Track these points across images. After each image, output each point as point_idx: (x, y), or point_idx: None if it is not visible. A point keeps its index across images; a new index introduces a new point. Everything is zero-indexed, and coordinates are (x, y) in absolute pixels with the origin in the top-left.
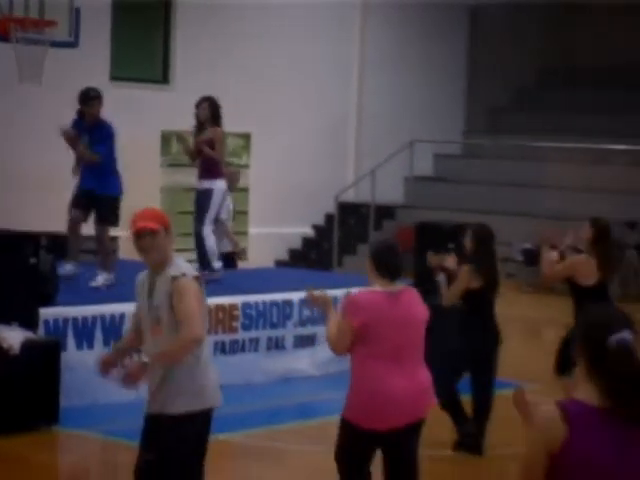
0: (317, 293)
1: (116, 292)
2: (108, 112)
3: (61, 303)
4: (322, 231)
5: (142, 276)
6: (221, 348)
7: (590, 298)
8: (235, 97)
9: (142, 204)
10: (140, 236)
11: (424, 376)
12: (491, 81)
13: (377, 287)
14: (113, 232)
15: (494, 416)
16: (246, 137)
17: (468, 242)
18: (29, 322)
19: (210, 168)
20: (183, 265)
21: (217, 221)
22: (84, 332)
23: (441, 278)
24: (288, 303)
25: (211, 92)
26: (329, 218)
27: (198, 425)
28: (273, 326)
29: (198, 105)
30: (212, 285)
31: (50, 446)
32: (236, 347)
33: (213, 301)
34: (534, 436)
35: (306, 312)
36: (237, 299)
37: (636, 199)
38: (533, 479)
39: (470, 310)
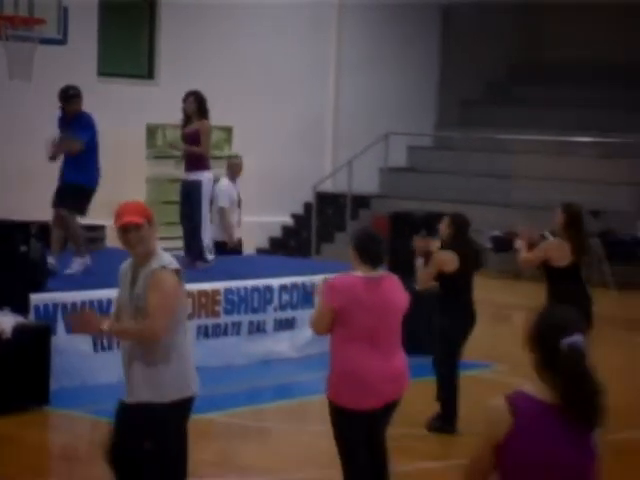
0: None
1: (104, 279)
2: (95, 107)
3: (51, 289)
4: (301, 220)
5: (126, 265)
6: (204, 332)
7: (563, 279)
8: (217, 92)
9: (129, 194)
10: (125, 231)
11: (400, 360)
12: (462, 77)
13: (359, 272)
14: (102, 221)
15: (464, 395)
16: (228, 130)
17: (446, 229)
18: (20, 307)
19: (197, 160)
20: (165, 257)
21: (221, 210)
22: None
23: (419, 262)
24: (268, 289)
25: (194, 87)
26: (308, 207)
27: (182, 413)
28: (254, 311)
29: (185, 99)
30: (196, 272)
31: (41, 425)
32: (219, 331)
33: (197, 287)
34: (482, 427)
35: (286, 297)
36: (220, 285)
37: (600, 189)
38: (479, 469)
39: (446, 293)
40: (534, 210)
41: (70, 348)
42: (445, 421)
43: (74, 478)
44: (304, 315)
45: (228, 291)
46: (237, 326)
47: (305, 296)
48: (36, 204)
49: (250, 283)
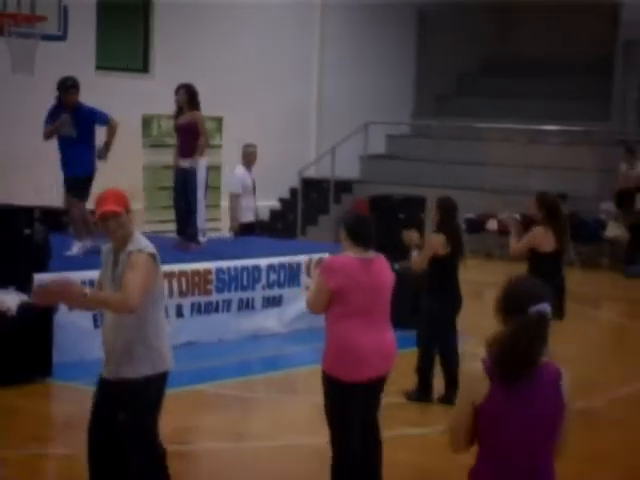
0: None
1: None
2: (94, 99)
3: (53, 269)
4: (287, 203)
5: (107, 247)
6: (197, 309)
7: (545, 263)
8: (208, 85)
9: (127, 181)
10: (105, 219)
11: (390, 336)
12: (437, 70)
13: (350, 253)
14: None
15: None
16: (218, 120)
17: (434, 213)
18: (24, 287)
19: (190, 147)
20: (142, 241)
21: (232, 195)
22: None
23: (414, 253)
24: (257, 268)
25: (186, 80)
26: (293, 192)
27: (158, 387)
28: (244, 289)
29: (177, 91)
30: (189, 253)
31: (44, 396)
32: (210, 308)
33: (190, 267)
34: (462, 389)
35: (273, 276)
36: (211, 264)
37: (567, 174)
38: (459, 428)
39: (438, 275)
40: (506, 194)
41: (71, 324)
42: (422, 391)
43: (74, 445)
44: (290, 293)
45: (219, 270)
46: (228, 303)
47: (291, 275)
48: (37, 190)
49: (240, 263)
